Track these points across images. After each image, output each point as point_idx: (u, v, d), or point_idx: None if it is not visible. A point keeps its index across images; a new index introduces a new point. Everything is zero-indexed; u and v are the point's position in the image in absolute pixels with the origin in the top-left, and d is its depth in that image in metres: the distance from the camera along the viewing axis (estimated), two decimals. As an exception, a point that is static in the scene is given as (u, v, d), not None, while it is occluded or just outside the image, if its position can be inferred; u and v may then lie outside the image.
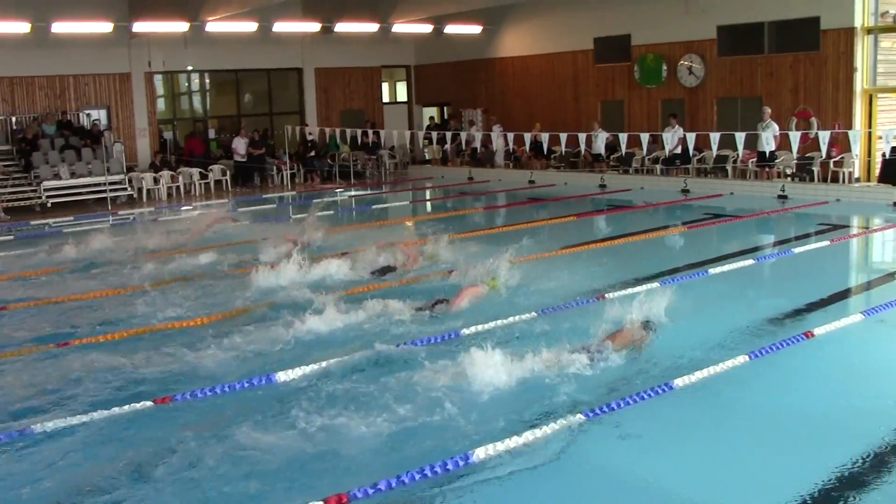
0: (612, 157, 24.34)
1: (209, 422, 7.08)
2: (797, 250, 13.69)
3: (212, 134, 28.96)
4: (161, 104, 28.23)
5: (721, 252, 13.70)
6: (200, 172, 25.37)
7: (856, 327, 9.20)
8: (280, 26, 26.85)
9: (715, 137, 20.33)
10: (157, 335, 9.52)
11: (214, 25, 25.09)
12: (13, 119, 24.40)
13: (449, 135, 26.68)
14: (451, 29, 29.50)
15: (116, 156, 24.01)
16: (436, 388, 7.38)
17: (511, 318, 9.52)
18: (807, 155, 20.58)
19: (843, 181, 20.44)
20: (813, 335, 8.75)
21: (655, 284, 10.80)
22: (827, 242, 14.43)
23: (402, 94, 33.88)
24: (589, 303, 10.18)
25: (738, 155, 20.59)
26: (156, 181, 24.44)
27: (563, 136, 22.69)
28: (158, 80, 27.74)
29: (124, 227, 18.33)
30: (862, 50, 20.77)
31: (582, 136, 22.81)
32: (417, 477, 5.80)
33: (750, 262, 12.55)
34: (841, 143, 20.15)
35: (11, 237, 17.68)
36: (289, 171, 26.31)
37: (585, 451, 6.38)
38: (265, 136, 28.04)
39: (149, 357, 8.63)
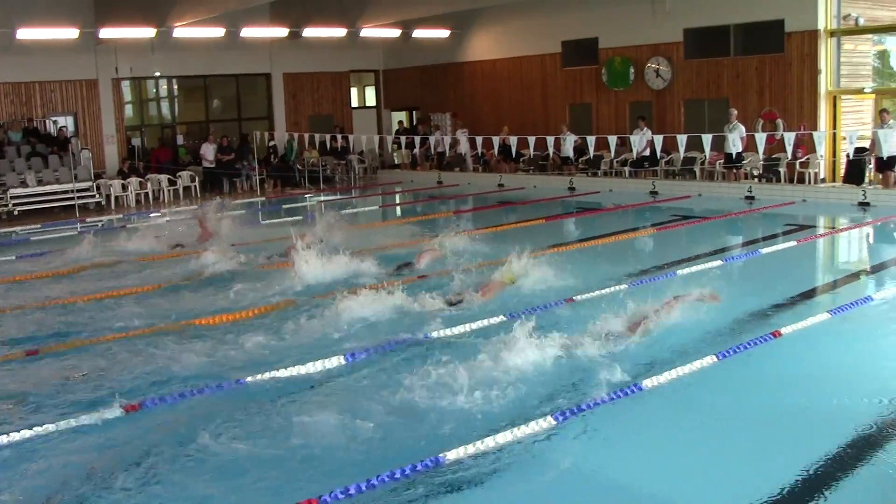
0: (580, 159, 24.44)
1: (181, 427, 7.04)
2: (765, 251, 13.81)
3: (180, 140, 28.80)
4: (129, 110, 28.04)
5: (689, 253, 13.79)
6: (169, 179, 25.22)
7: (823, 326, 9.28)
8: (248, 31, 26.76)
9: (682, 139, 20.47)
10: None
11: (182, 31, 24.92)
12: (-22, 127, 24.16)
13: (418, 139, 26.70)
14: (419, 33, 29.52)
15: (84, 163, 23.83)
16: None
17: (480, 323, 9.57)
18: (773, 156, 20.79)
19: (809, 182, 20.66)
20: (780, 335, 8.83)
21: (623, 286, 10.89)
22: (794, 243, 14.58)
23: (370, 98, 33.86)
24: (557, 305, 10.22)
25: (705, 156, 20.75)
26: (124, 188, 24.26)
27: (532, 140, 22.77)
28: (126, 87, 27.57)
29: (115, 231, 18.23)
30: (825, 52, 21.01)
31: (550, 140, 22.90)
32: (387, 479, 5.79)
33: (718, 262, 12.64)
34: (806, 145, 20.37)
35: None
36: (258, 177, 26.21)
37: (556, 452, 6.39)
38: (245, 140, 27.93)
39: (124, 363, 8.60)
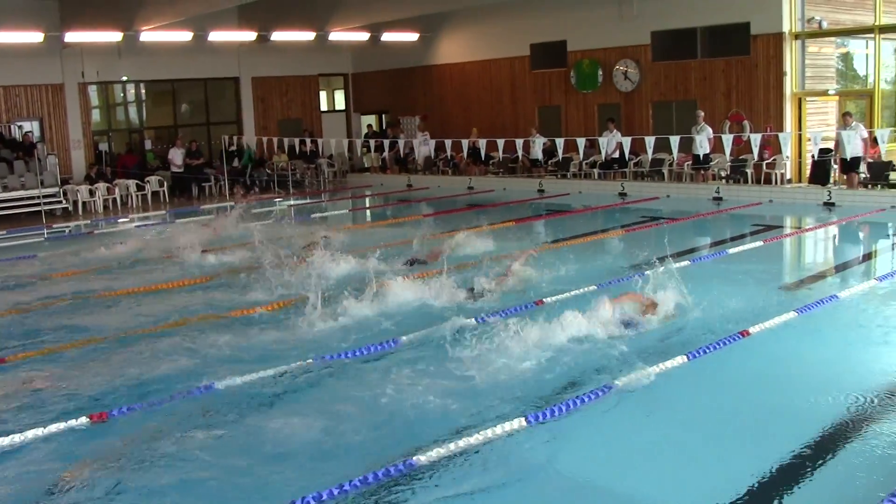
0: (549, 161, 24.54)
1: (149, 435, 6.98)
2: (732, 251, 13.92)
3: (148, 145, 28.60)
4: (96, 115, 27.84)
5: (658, 254, 13.85)
6: (137, 184, 25.05)
7: (790, 325, 9.38)
8: (216, 35, 26.62)
9: (650, 141, 20.60)
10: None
11: (149, 35, 24.77)
12: (-58, 132, 23.91)
13: (387, 143, 26.71)
14: (387, 36, 29.52)
15: (50, 168, 23.61)
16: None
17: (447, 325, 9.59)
18: (740, 157, 20.98)
19: (776, 182, 20.88)
20: (749, 334, 8.91)
21: (593, 287, 10.95)
22: (761, 243, 14.71)
23: (340, 102, 33.80)
24: (528, 308, 10.25)
25: (673, 158, 20.90)
26: (91, 194, 24.05)
27: (501, 142, 22.83)
28: (93, 91, 27.35)
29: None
30: (790, 55, 21.25)
31: (519, 142, 22.97)
32: (358, 484, 5.79)
33: (686, 263, 12.72)
34: (772, 146, 20.58)
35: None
36: (227, 182, 26.10)
37: (526, 454, 6.41)
38: (241, 148, 27.80)
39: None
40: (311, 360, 8.46)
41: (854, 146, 18.80)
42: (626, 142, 21.07)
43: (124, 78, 27.62)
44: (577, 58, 25.51)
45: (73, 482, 6.17)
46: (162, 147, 28.03)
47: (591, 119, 25.21)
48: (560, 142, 22.24)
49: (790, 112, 21.49)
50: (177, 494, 5.99)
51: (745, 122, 21.44)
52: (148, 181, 25.34)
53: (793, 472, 5.95)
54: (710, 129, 20.83)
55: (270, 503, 5.66)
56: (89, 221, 21.60)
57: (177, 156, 25.99)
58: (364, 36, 29.56)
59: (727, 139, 19.59)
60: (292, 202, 24.19)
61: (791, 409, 7.16)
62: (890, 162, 19.90)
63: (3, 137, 24.55)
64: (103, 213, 23.54)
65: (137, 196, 24.91)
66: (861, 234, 16.53)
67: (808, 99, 21.72)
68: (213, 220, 18.10)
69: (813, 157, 20.09)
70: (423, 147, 26.92)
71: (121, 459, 6.50)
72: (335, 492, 5.68)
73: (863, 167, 19.32)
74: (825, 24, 21.64)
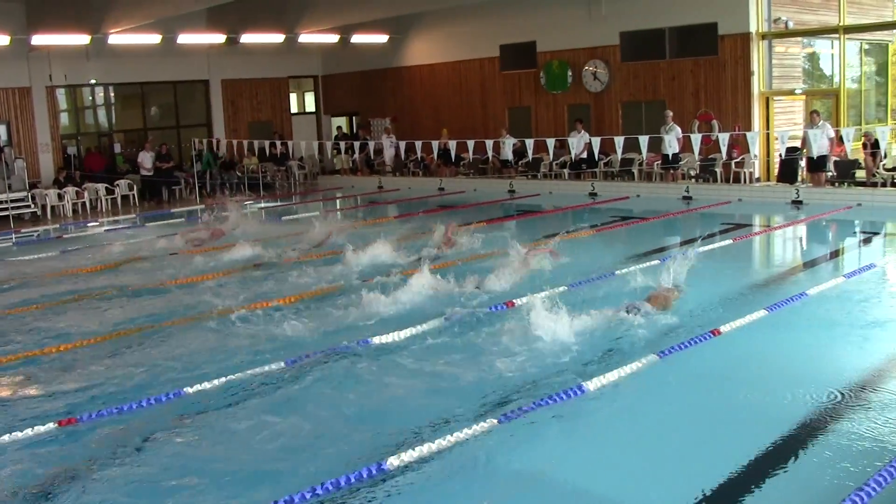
0: (520, 162, 24.61)
1: (117, 441, 6.93)
2: (702, 249, 13.97)
3: (118, 148, 28.38)
4: (64, 119, 27.57)
5: (628, 254, 13.94)
6: (107, 188, 24.87)
7: (760, 323, 9.45)
8: (185, 38, 26.43)
9: (620, 141, 20.70)
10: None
11: (117, 38, 24.56)
12: None
13: (357, 144, 26.68)
14: (357, 38, 29.47)
15: (18, 172, 23.39)
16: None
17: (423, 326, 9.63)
18: (709, 156, 21.15)
19: (745, 181, 21.04)
20: (720, 332, 8.99)
21: (563, 288, 10.99)
22: (730, 241, 14.82)
23: (310, 104, 33.73)
24: (499, 309, 10.28)
25: (643, 158, 21.03)
26: (60, 197, 23.84)
27: (471, 143, 22.86)
28: (61, 94, 27.09)
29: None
30: (758, 54, 21.44)
31: (490, 143, 23.03)
32: (331, 487, 5.78)
33: (655, 262, 12.79)
34: (741, 145, 20.74)
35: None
36: (198, 185, 25.95)
37: (499, 454, 6.43)
38: (201, 152, 27.54)
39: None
40: (283, 365, 8.44)
41: (820, 145, 19.00)
42: (596, 142, 21.16)
43: (93, 81, 27.37)
44: (546, 59, 25.60)
45: (39, 487, 6.12)
46: (131, 150, 27.81)
47: (561, 120, 25.31)
48: (530, 142, 22.30)
49: (758, 111, 21.69)
50: (144, 500, 5.95)
51: (714, 122, 21.60)
52: (117, 185, 25.15)
53: (763, 469, 6.00)
54: (678, 129, 20.97)
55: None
56: (58, 226, 21.42)
57: (146, 159, 25.78)
58: (334, 38, 29.51)
59: (696, 139, 19.72)
60: (263, 205, 24.07)
61: (761, 407, 7.22)
62: (856, 160, 20.16)
63: (-31, 142, 24.32)
64: (72, 217, 23.34)
65: (107, 200, 24.73)
66: (828, 232, 16.71)
67: (775, 98, 21.93)
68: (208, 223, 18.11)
69: (781, 155, 20.28)
70: (389, 149, 26.95)
71: (88, 464, 6.45)
72: (307, 494, 5.67)
73: (830, 166, 19.52)
74: (791, 25, 21.86)
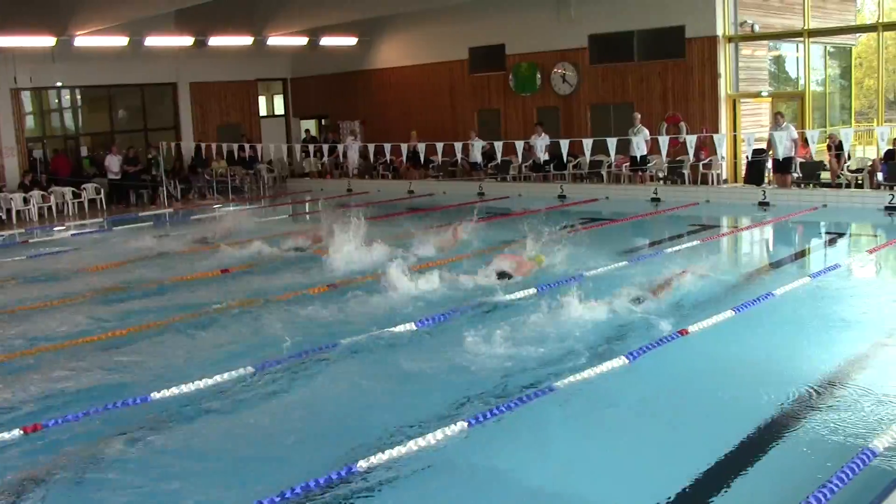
0: (489, 165, 24.64)
1: (84, 446, 6.86)
2: (669, 251, 14.08)
3: (84, 152, 28.12)
4: (30, 121, 27.28)
5: (596, 255, 13.98)
6: (73, 191, 24.63)
7: (727, 323, 9.53)
8: (152, 40, 26.16)
9: (588, 143, 20.79)
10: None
11: (83, 40, 24.26)
12: None
13: (326, 147, 26.61)
14: (326, 41, 29.39)
15: (-18, 176, 23.14)
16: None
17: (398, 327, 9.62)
18: (677, 158, 21.30)
19: (712, 183, 21.21)
20: (687, 332, 9.04)
21: (532, 290, 11.03)
22: (698, 242, 14.92)
23: (279, 107, 33.60)
24: (468, 311, 10.30)
25: (611, 160, 21.14)
26: (26, 202, 23.58)
27: (440, 146, 22.87)
28: (26, 97, 26.80)
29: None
30: (724, 57, 21.62)
31: (459, 145, 23.05)
32: (299, 490, 5.75)
33: (624, 263, 12.87)
34: (708, 147, 20.88)
35: None
36: (165, 189, 25.76)
37: (471, 455, 6.44)
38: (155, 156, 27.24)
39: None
40: (251, 369, 8.41)
41: (785, 146, 19.17)
42: (565, 144, 21.19)
43: (59, 84, 27.12)
44: (515, 61, 25.67)
45: (2, 494, 6.06)
46: (98, 154, 27.56)
47: (530, 122, 25.34)
48: (499, 145, 22.34)
49: (725, 113, 21.87)
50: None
51: (682, 124, 21.74)
52: (84, 188, 24.92)
53: (733, 466, 6.06)
54: (646, 131, 21.09)
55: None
56: (24, 230, 21.19)
57: (113, 163, 25.53)
58: (302, 41, 29.39)
59: (664, 141, 19.85)
60: (232, 208, 23.95)
61: (729, 406, 7.28)
62: (821, 162, 20.37)
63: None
64: (38, 221, 23.10)
65: (73, 204, 24.51)
66: (795, 233, 16.86)
67: (741, 101, 22.12)
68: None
69: (747, 157, 20.46)
70: (353, 153, 26.96)
71: (54, 471, 6.39)
72: (276, 500, 5.64)
73: (795, 167, 19.71)
74: (757, 28, 22.07)
